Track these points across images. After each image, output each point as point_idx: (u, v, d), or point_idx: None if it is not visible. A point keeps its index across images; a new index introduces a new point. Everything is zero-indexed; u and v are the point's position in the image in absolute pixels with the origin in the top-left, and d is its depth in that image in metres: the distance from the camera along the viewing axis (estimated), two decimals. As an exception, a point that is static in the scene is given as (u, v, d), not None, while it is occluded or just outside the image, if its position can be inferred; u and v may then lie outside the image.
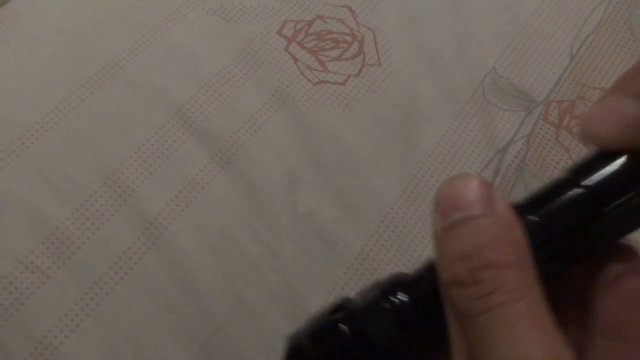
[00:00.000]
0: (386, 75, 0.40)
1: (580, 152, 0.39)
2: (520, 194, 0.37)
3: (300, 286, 0.33)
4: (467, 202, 0.17)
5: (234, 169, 0.35)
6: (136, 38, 0.39)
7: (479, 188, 0.17)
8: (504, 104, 0.40)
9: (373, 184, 0.36)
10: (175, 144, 0.36)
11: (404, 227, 0.35)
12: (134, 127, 0.36)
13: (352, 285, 0.33)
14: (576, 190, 0.18)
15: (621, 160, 0.18)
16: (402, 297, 0.18)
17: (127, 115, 0.37)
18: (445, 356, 0.18)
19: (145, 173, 0.35)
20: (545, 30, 0.44)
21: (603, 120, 0.18)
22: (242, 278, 0.33)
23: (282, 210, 0.34)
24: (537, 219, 0.18)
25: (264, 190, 0.35)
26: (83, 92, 0.37)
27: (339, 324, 0.19)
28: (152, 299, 0.31)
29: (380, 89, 0.40)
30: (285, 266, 0.33)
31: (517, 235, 0.17)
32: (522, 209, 0.18)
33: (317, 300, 0.32)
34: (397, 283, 0.19)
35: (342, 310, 0.20)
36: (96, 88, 0.37)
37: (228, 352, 0.31)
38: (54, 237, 0.32)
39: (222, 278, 0.32)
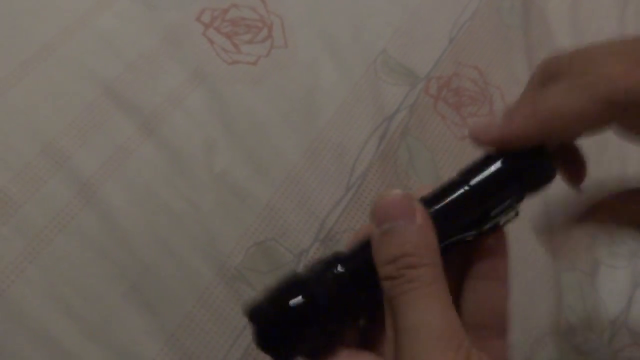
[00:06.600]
0: (291, 56, 0.47)
1: (454, 119, 0.47)
2: (404, 155, 0.45)
3: (217, 232, 0.39)
4: (394, 214, 0.23)
5: (158, 136, 0.41)
6: (67, 24, 0.44)
7: (401, 201, 0.23)
8: (392, 80, 0.47)
9: (279, 147, 0.42)
10: (106, 116, 0.41)
11: (304, 183, 0.42)
12: (68, 103, 0.41)
13: (261, 230, 0.40)
14: (463, 188, 0.25)
15: (498, 162, 0.25)
16: (340, 269, 0.25)
17: (61, 93, 0.41)
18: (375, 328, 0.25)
19: (79, 142, 0.40)
20: (429, 17, 0.51)
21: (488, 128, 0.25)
22: (167, 228, 0.38)
23: (201, 171, 0.40)
24: (434, 212, 0.24)
25: (185, 154, 0.41)
26: (20, 72, 0.41)
27: (294, 291, 0.25)
28: (87, 246, 0.37)
29: (286, 67, 0.46)
30: (204, 217, 0.39)
31: (431, 241, 0.23)
32: (428, 202, 0.25)
33: (231, 242, 0.39)
34: (336, 259, 0.25)
35: (294, 282, 0.25)
36: (32, 69, 0.42)
37: (155, 288, 0.37)
38: (-2, 197, 0.37)
39: (149, 229, 0.38)
